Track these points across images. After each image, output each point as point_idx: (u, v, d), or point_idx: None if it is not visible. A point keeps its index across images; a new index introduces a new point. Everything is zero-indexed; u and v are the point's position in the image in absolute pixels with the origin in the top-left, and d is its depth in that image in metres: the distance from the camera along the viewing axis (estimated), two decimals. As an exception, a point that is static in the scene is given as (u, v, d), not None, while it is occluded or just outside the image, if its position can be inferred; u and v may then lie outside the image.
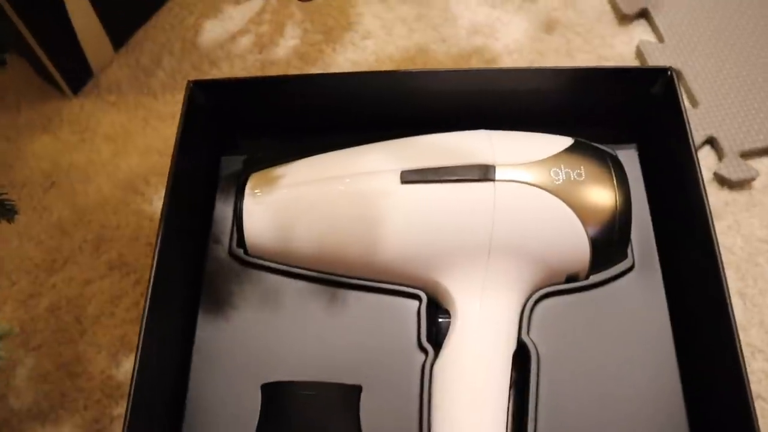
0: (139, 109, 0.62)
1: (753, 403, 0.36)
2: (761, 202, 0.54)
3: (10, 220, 0.44)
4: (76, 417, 0.50)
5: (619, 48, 0.61)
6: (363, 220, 0.42)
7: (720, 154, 0.55)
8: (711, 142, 0.56)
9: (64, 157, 0.60)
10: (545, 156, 0.43)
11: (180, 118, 0.44)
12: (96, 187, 0.58)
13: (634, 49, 0.61)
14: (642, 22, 0.62)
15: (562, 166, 0.42)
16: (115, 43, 0.63)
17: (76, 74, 0.61)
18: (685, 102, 0.58)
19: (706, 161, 0.56)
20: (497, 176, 0.41)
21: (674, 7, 0.61)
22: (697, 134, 0.56)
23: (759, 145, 0.55)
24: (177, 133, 0.44)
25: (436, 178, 0.42)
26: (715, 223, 0.53)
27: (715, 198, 0.55)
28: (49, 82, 0.62)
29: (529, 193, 0.41)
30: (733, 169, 0.54)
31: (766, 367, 0.49)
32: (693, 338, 0.42)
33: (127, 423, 0.36)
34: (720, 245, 0.52)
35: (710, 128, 0.56)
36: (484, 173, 0.42)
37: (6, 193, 0.43)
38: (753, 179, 0.54)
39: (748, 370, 0.49)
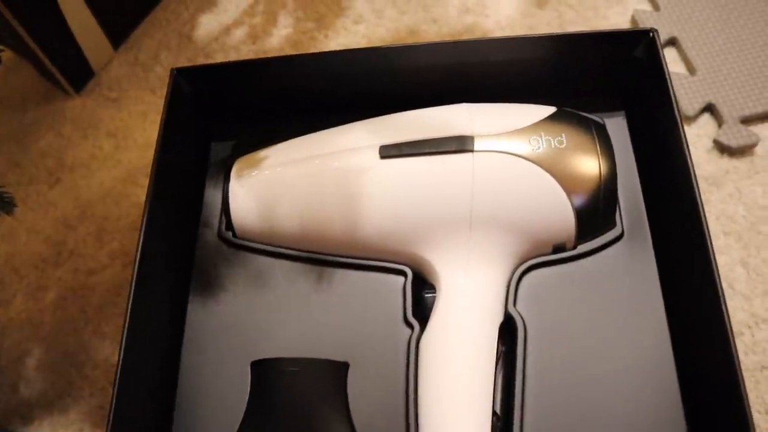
0: (138, 105, 0.63)
1: (741, 372, 0.35)
2: (764, 168, 0.53)
3: (9, 212, 0.46)
4: (82, 404, 0.52)
5: (613, 19, 0.59)
6: (344, 197, 0.42)
7: (719, 120, 0.54)
8: (710, 109, 0.55)
9: (67, 154, 0.61)
10: (525, 125, 0.42)
11: (164, 106, 0.45)
12: (98, 181, 0.60)
13: (628, 19, 0.59)
14: (637, -9, 0.60)
15: (543, 134, 0.42)
16: (114, 41, 0.64)
17: (77, 74, 0.63)
18: (683, 69, 0.57)
19: (706, 129, 0.55)
20: (475, 147, 0.41)
21: (669, -27, 0.59)
22: (696, 102, 0.54)
23: (760, 110, 0.53)
24: (161, 121, 0.44)
25: (414, 152, 0.42)
26: (716, 191, 0.52)
27: (716, 166, 0.53)
28: (53, 83, 0.64)
29: (509, 162, 0.41)
30: (733, 136, 0.53)
31: (772, 336, 0.48)
32: (684, 307, 0.41)
33: (113, 405, 0.37)
34: (721, 214, 0.52)
35: (709, 95, 0.54)
36: (462, 144, 0.41)
37: (3, 186, 0.45)
38: (754, 145, 0.53)
39: (753, 339, 0.48)
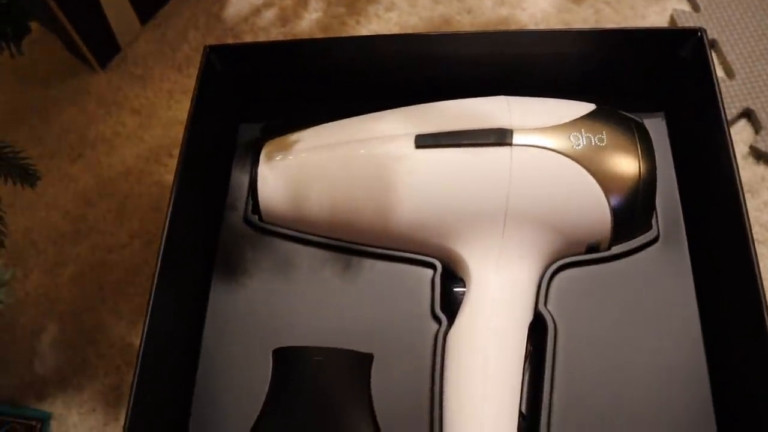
0: (164, 83, 0.62)
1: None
2: (801, 176, 0.52)
3: (32, 185, 0.45)
4: (96, 383, 0.51)
5: (651, 18, 0.58)
6: (376, 185, 0.42)
7: (757, 126, 0.53)
8: (747, 114, 0.54)
9: (90, 130, 0.60)
10: (565, 121, 0.41)
11: (196, 83, 0.44)
12: (120, 158, 0.59)
13: (667, 18, 0.58)
14: (677, -10, 0.59)
15: (583, 131, 0.41)
16: (142, 17, 0.63)
17: (104, 49, 0.62)
18: (721, 73, 0.55)
19: (742, 135, 0.53)
20: (514, 141, 0.40)
21: (711, -26, 0.58)
22: (733, 106, 0.53)
23: (799, 117, 0.52)
24: (192, 99, 0.44)
25: (451, 143, 0.41)
26: (751, 199, 0.51)
27: (752, 173, 0.52)
28: (79, 58, 0.63)
29: (547, 158, 0.40)
30: (770, 143, 0.52)
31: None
32: (720, 314, 0.40)
33: (134, 387, 0.36)
34: (755, 222, 0.50)
35: (747, 100, 0.53)
36: (500, 137, 0.40)
37: (27, 158, 0.44)
38: (792, 153, 0.52)
39: None
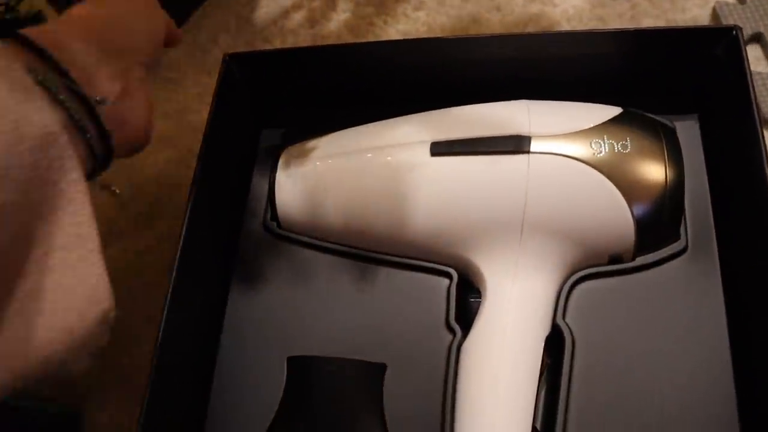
0: (195, 87, 0.63)
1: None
2: None
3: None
4: (123, 385, 0.52)
5: (692, 12, 0.55)
6: (391, 193, 0.41)
7: (804, 127, 0.50)
8: (794, 114, 0.50)
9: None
10: (587, 126, 0.39)
11: (215, 91, 0.44)
12: (152, 161, 0.60)
13: (709, 12, 0.55)
14: (720, -19, 0.56)
15: (606, 137, 0.39)
16: (176, 23, 0.64)
17: None
18: (767, 68, 0.52)
19: (788, 136, 0.50)
20: (532, 148, 0.39)
21: (758, -36, 0.55)
22: (779, 106, 0.50)
23: None
24: (211, 105, 0.44)
25: (467, 150, 0.40)
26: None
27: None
28: None
29: (566, 166, 0.38)
30: (819, 144, 0.48)
31: None
32: (752, 336, 0.38)
33: (149, 391, 0.37)
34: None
35: (794, 99, 0.50)
36: (517, 145, 0.39)
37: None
38: (843, 156, 0.48)
39: None
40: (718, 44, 0.41)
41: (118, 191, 0.41)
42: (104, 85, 0.30)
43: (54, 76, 0.28)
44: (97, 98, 0.30)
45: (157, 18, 0.38)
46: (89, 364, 0.34)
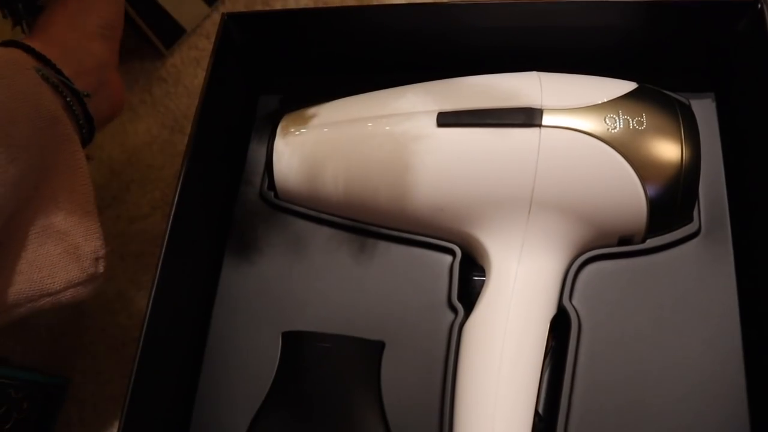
0: (191, 50, 0.61)
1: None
2: None
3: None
4: (114, 352, 0.51)
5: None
6: (394, 164, 0.39)
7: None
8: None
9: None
10: (601, 101, 0.38)
11: (212, 53, 0.42)
12: (145, 127, 0.58)
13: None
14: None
15: (621, 113, 0.37)
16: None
17: (167, 32, 0.60)
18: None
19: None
20: (544, 121, 0.37)
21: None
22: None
23: None
24: (208, 68, 0.42)
25: (476, 122, 0.38)
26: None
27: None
28: (145, 41, 0.61)
29: (579, 141, 0.37)
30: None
31: None
32: (762, 319, 0.37)
33: (138, 360, 0.36)
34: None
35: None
36: (529, 118, 0.37)
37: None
38: None
39: None
40: (741, 19, 0.39)
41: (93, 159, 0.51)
42: (86, 79, 0.39)
43: (52, 74, 0.37)
44: (85, 93, 0.39)
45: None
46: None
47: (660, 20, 0.41)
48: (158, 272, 0.37)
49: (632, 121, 0.37)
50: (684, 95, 0.41)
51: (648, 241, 0.40)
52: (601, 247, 0.40)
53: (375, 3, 0.58)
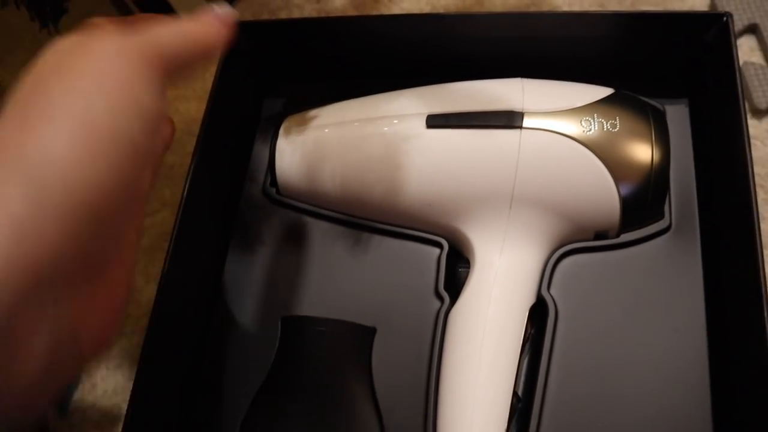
0: (201, 56, 0.64)
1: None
2: (838, 171, 0.49)
3: None
4: (124, 341, 0.54)
5: (690, 0, 0.56)
6: (387, 163, 0.42)
7: (794, 117, 0.51)
8: (787, 104, 0.51)
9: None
10: (578, 105, 0.41)
11: (219, 59, 0.46)
12: (157, 128, 0.61)
13: (707, 1, 0.56)
14: (721, -30, 0.57)
15: (596, 116, 0.40)
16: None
17: None
18: (761, 59, 0.53)
19: (778, 125, 0.51)
20: (524, 124, 0.40)
21: (759, -46, 0.55)
22: (772, 95, 0.51)
23: (840, 108, 0.50)
24: (215, 73, 0.45)
25: (462, 123, 0.41)
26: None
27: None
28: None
29: (557, 142, 0.40)
30: (807, 134, 0.49)
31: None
32: (724, 311, 0.39)
33: (145, 346, 0.39)
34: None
35: (785, 89, 0.51)
36: (510, 120, 0.40)
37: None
38: (829, 146, 0.50)
39: None
40: (709, 30, 0.42)
41: None
42: None
43: None
44: None
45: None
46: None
47: (637, 31, 0.44)
48: (167, 261, 0.40)
49: (606, 123, 0.40)
50: (659, 101, 0.44)
51: (622, 235, 0.42)
52: (577, 241, 0.42)
53: (373, 13, 0.61)
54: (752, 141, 0.51)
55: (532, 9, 0.58)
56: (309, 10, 0.63)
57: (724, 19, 0.41)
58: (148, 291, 0.56)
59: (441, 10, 0.60)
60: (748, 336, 0.36)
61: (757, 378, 0.35)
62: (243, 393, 0.42)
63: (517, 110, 0.40)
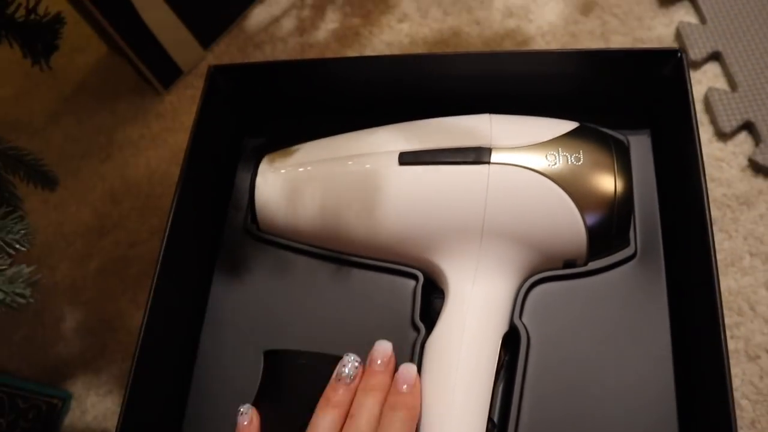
0: (188, 89, 0.66)
1: (733, 405, 0.35)
2: (800, 193, 0.51)
3: (52, 189, 0.49)
4: (114, 367, 0.56)
5: (657, 30, 0.58)
6: (362, 200, 0.44)
7: (757, 139, 0.53)
8: (748, 126, 0.53)
9: (119, 132, 0.65)
10: (544, 139, 0.42)
11: (199, 100, 0.47)
12: (145, 159, 0.63)
13: (673, 31, 0.58)
14: (685, 3, 0.59)
15: (560, 150, 0.42)
16: (203, 43, 0.66)
17: (166, 72, 0.65)
18: (725, 86, 0.55)
19: (742, 147, 0.53)
20: (492, 159, 0.42)
21: (721, -14, 0.58)
22: (734, 119, 0.53)
23: (801, 133, 0.52)
24: (196, 114, 0.47)
25: (433, 160, 0.43)
26: (747, 211, 0.51)
27: (749, 185, 0.52)
28: (144, 80, 0.66)
29: (523, 176, 0.41)
30: (769, 157, 0.51)
31: (791, 364, 0.47)
32: (687, 335, 0.41)
33: (132, 378, 0.40)
34: (750, 235, 0.51)
35: (748, 112, 0.53)
36: (478, 156, 0.42)
37: (47, 165, 0.48)
38: (792, 169, 0.52)
39: None
40: (666, 65, 0.44)
41: None
42: None
43: None
44: None
45: None
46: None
47: (601, 67, 0.46)
48: (152, 292, 0.42)
49: (570, 157, 0.42)
50: (623, 132, 0.46)
51: (590, 263, 0.44)
52: (547, 269, 0.44)
53: (354, 46, 0.63)
54: (718, 163, 0.53)
55: (507, 41, 0.61)
56: (293, 44, 0.65)
57: (679, 54, 0.43)
58: (137, 318, 0.57)
59: (420, 42, 0.62)
60: (708, 358, 0.38)
61: (717, 399, 0.36)
62: (227, 425, 0.44)
63: (485, 146, 0.42)
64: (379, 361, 0.41)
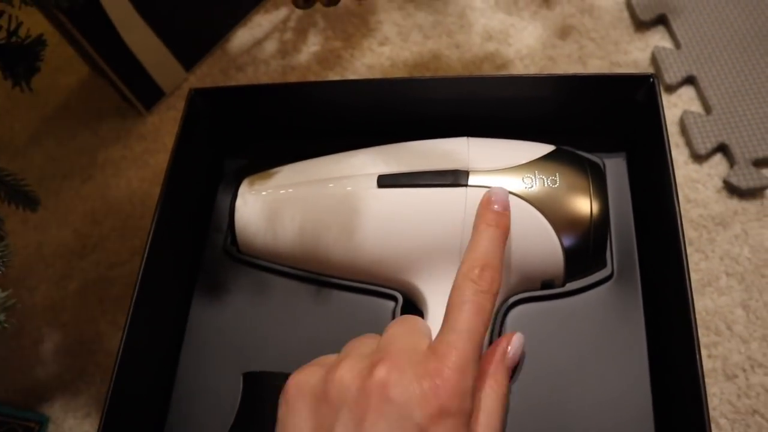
0: (170, 110, 0.66)
1: (710, 424, 0.36)
2: (773, 214, 0.52)
3: (34, 209, 0.49)
4: (93, 389, 0.55)
5: (633, 54, 0.60)
6: (341, 222, 0.44)
7: (731, 161, 0.54)
8: (723, 149, 0.55)
9: (100, 153, 0.65)
10: (520, 162, 0.43)
11: (180, 123, 0.48)
12: (126, 180, 0.63)
13: (649, 55, 0.59)
14: (660, 28, 0.60)
15: (537, 173, 0.43)
16: (186, 65, 0.67)
17: (148, 94, 0.66)
18: (699, 108, 0.57)
19: (717, 169, 0.54)
20: (469, 182, 0.42)
21: (694, 13, 0.59)
22: (709, 141, 0.54)
23: (773, 154, 0.53)
24: (176, 136, 0.47)
25: (411, 183, 0.43)
26: (723, 232, 0.52)
27: (724, 206, 0.53)
28: (125, 101, 0.66)
29: (500, 199, 0.42)
30: (743, 178, 0.52)
31: (766, 381, 0.47)
32: (664, 356, 0.42)
33: (109, 401, 0.40)
34: (726, 256, 0.51)
35: (722, 135, 0.54)
36: (456, 179, 0.43)
37: (28, 185, 0.48)
38: (765, 188, 0.52)
39: (747, 383, 0.48)
40: (639, 89, 0.45)
41: None
42: None
43: None
44: None
45: None
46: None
47: (576, 91, 0.46)
48: (130, 314, 0.42)
49: (547, 179, 0.42)
50: (599, 155, 0.47)
51: (567, 284, 0.44)
52: (525, 290, 0.44)
53: (335, 69, 0.64)
54: (695, 184, 0.54)
55: (486, 64, 0.62)
56: (275, 66, 0.66)
57: (651, 80, 0.44)
58: (116, 340, 0.57)
59: (401, 65, 0.63)
60: (685, 377, 0.38)
61: (694, 418, 0.36)
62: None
63: (462, 169, 0.43)
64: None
